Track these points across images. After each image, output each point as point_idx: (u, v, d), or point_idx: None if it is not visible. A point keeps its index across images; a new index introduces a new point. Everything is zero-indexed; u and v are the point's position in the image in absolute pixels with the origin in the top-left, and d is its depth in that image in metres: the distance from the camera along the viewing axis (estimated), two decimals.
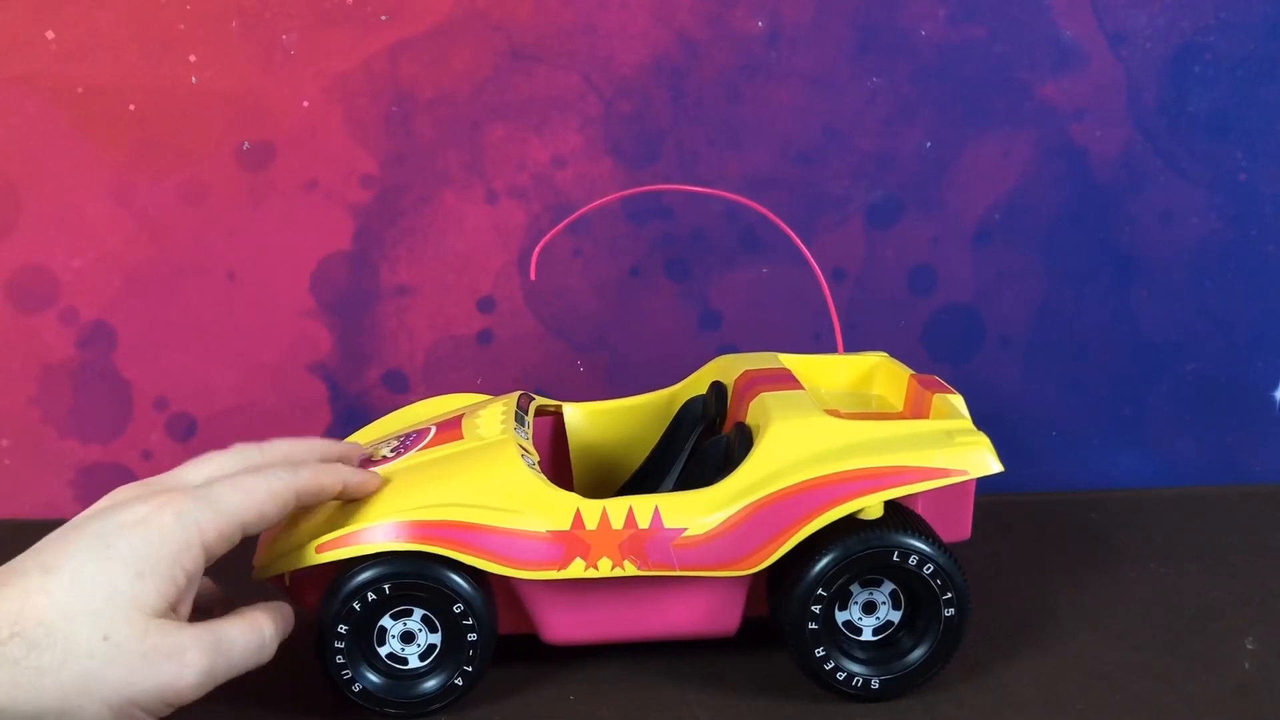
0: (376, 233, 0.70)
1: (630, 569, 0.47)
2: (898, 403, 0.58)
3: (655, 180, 0.70)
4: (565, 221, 0.62)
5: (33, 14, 0.66)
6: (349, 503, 0.49)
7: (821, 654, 0.48)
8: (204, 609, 0.45)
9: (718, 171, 0.71)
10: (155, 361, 0.71)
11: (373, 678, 0.48)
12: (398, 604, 0.48)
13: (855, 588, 0.49)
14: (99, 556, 0.38)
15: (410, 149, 0.69)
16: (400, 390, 0.72)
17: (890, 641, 0.49)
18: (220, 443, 0.47)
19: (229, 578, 0.58)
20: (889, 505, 0.49)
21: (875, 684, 0.48)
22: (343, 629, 0.47)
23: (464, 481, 0.49)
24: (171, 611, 0.40)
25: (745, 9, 0.69)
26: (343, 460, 0.51)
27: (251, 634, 0.43)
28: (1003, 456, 0.49)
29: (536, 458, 0.52)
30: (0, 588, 0.38)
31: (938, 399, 0.53)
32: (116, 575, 0.38)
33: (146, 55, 0.67)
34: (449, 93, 0.69)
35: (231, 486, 0.43)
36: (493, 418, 0.54)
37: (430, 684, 0.48)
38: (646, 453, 0.60)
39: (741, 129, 0.70)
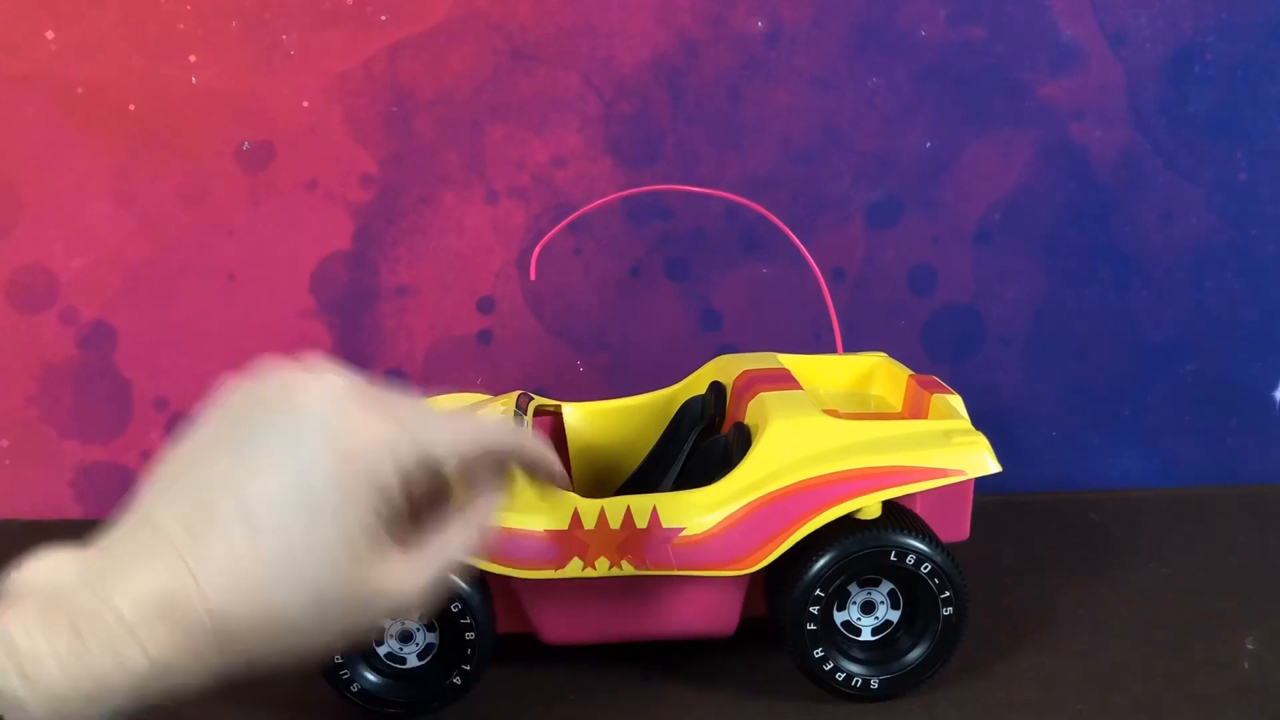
0: (376, 233, 0.70)
1: (628, 568, 0.47)
2: (896, 403, 0.57)
3: (655, 180, 0.70)
4: (565, 221, 0.62)
5: (33, 14, 0.66)
6: None
7: (820, 654, 0.48)
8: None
9: (718, 171, 0.71)
10: (155, 361, 0.71)
11: (371, 677, 0.48)
12: None
13: (854, 588, 0.49)
14: (305, 510, 0.35)
15: (410, 149, 0.69)
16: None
17: (889, 641, 0.49)
18: None
19: None
20: (887, 505, 0.49)
21: (874, 684, 0.48)
22: None
23: None
24: (379, 545, 0.37)
25: (745, 9, 0.69)
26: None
27: (467, 542, 0.40)
28: (1002, 456, 0.49)
29: None
30: (206, 546, 0.34)
31: (936, 399, 0.53)
32: (327, 535, 0.36)
33: (146, 55, 0.67)
34: (449, 93, 0.69)
35: (437, 420, 0.39)
36: None
37: (429, 683, 0.48)
38: (645, 453, 0.60)
39: (741, 129, 0.70)
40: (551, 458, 0.45)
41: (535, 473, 0.45)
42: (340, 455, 0.36)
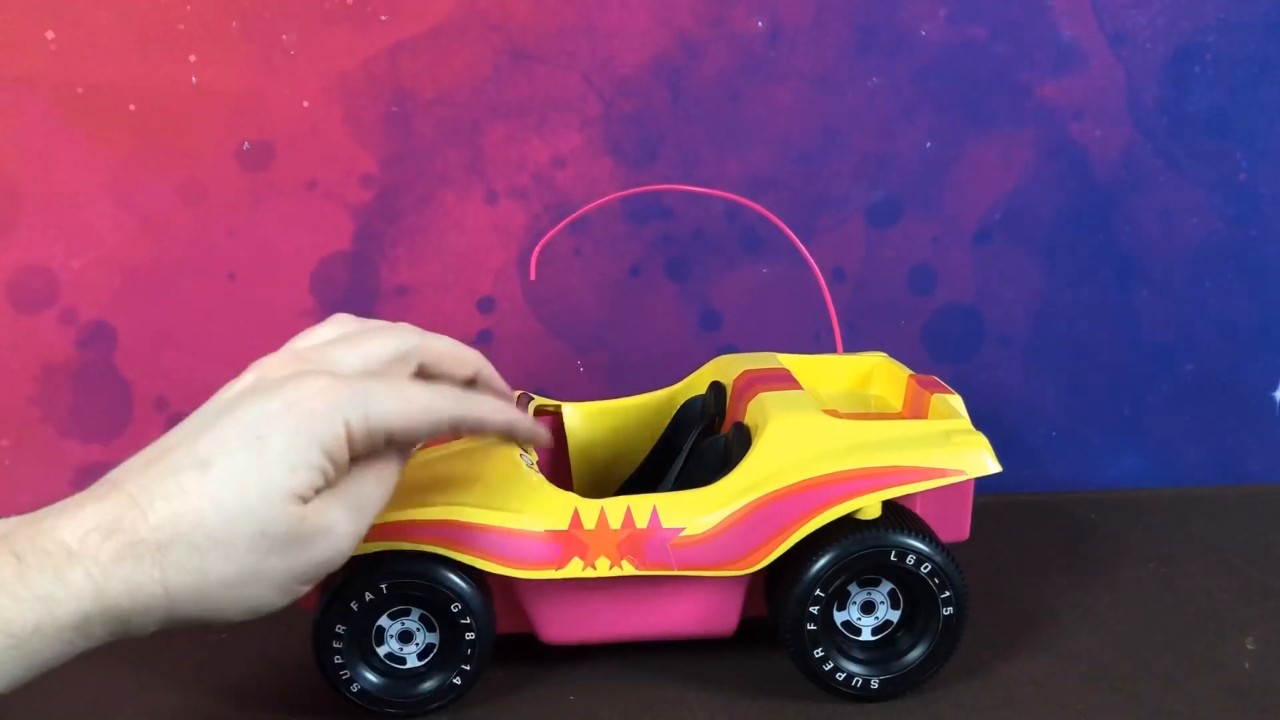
0: (376, 233, 0.70)
1: (628, 569, 0.47)
2: (896, 403, 0.57)
3: (655, 180, 0.70)
4: (565, 221, 0.62)
5: (33, 14, 0.66)
6: None
7: (820, 654, 0.48)
8: None
9: (718, 171, 0.71)
10: (155, 361, 0.71)
11: (371, 678, 0.48)
12: (395, 604, 0.48)
13: (853, 588, 0.49)
14: (252, 451, 0.38)
15: (410, 149, 0.69)
16: None
17: (889, 641, 0.49)
18: None
19: None
20: (887, 505, 0.49)
21: (875, 684, 0.48)
22: (340, 629, 0.47)
23: (462, 481, 0.49)
24: (318, 494, 0.40)
25: (745, 9, 0.69)
26: (495, 386, 0.49)
27: (386, 484, 0.42)
28: (1002, 456, 0.49)
29: (535, 457, 0.52)
30: (156, 483, 0.37)
31: (936, 399, 0.53)
32: (270, 471, 0.38)
33: (146, 55, 0.67)
34: (449, 93, 0.69)
35: (389, 391, 0.41)
36: None
37: (429, 684, 0.48)
38: (645, 453, 0.60)
39: (741, 129, 0.70)
40: (527, 419, 0.47)
41: (514, 437, 0.47)
42: (291, 411, 0.39)
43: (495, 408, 0.45)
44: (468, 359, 0.48)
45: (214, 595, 0.38)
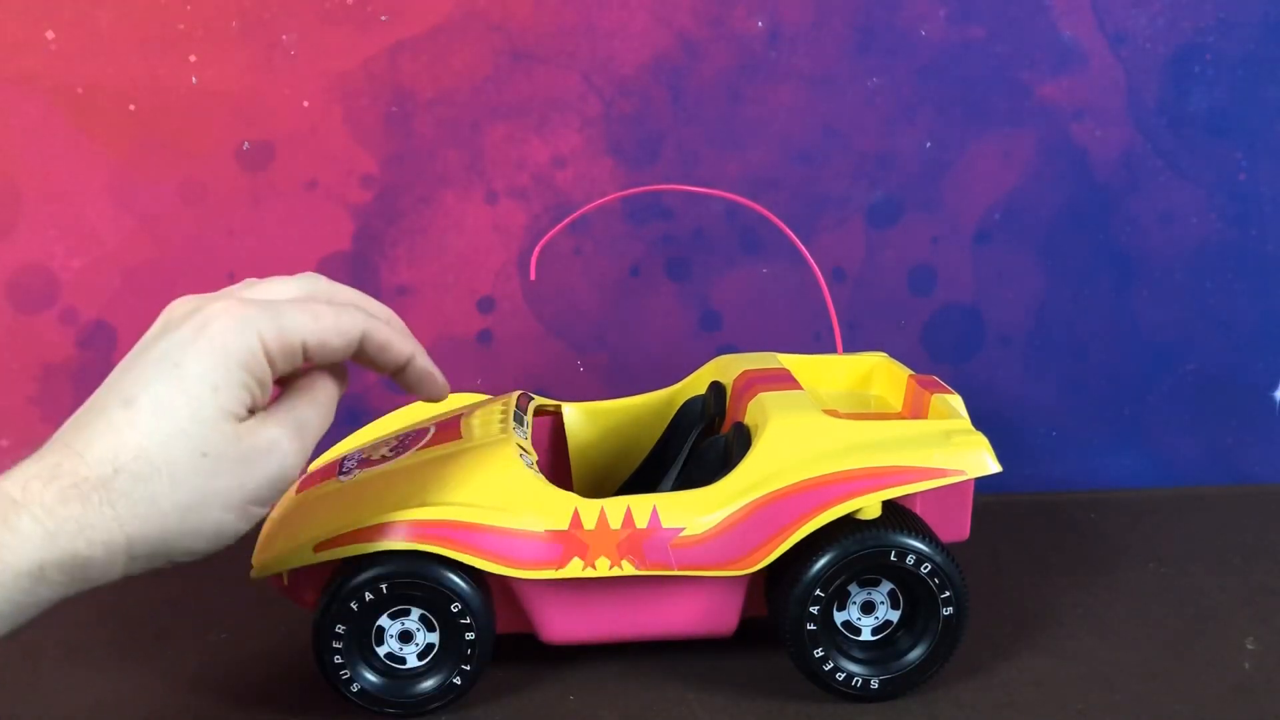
0: (376, 233, 0.70)
1: (628, 568, 0.47)
2: (896, 403, 0.57)
3: (655, 180, 0.70)
4: (565, 221, 0.62)
5: (33, 14, 0.66)
6: (346, 502, 0.49)
7: (820, 654, 0.48)
8: None
9: (718, 171, 0.71)
10: None
11: (371, 677, 0.48)
12: (395, 603, 0.48)
13: (853, 588, 0.49)
14: (172, 379, 0.39)
15: (410, 149, 0.69)
16: (400, 390, 0.72)
17: (889, 641, 0.49)
18: None
19: (229, 577, 0.58)
20: (887, 505, 0.49)
21: (874, 684, 0.48)
22: (340, 629, 0.47)
23: (462, 481, 0.49)
24: (251, 414, 0.41)
25: (745, 9, 0.69)
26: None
27: (321, 408, 0.43)
28: (1002, 456, 0.49)
29: (535, 457, 0.52)
30: (87, 428, 0.38)
31: (936, 399, 0.53)
32: (195, 393, 0.39)
33: (146, 55, 0.67)
34: (449, 93, 0.69)
35: (297, 307, 0.42)
36: (491, 418, 0.54)
37: (428, 683, 0.48)
38: (646, 453, 0.60)
39: (741, 129, 0.70)
40: (428, 359, 0.47)
41: (411, 371, 0.47)
42: (203, 334, 0.39)
43: (401, 337, 0.46)
44: (376, 309, 0.47)
45: (170, 524, 0.38)
